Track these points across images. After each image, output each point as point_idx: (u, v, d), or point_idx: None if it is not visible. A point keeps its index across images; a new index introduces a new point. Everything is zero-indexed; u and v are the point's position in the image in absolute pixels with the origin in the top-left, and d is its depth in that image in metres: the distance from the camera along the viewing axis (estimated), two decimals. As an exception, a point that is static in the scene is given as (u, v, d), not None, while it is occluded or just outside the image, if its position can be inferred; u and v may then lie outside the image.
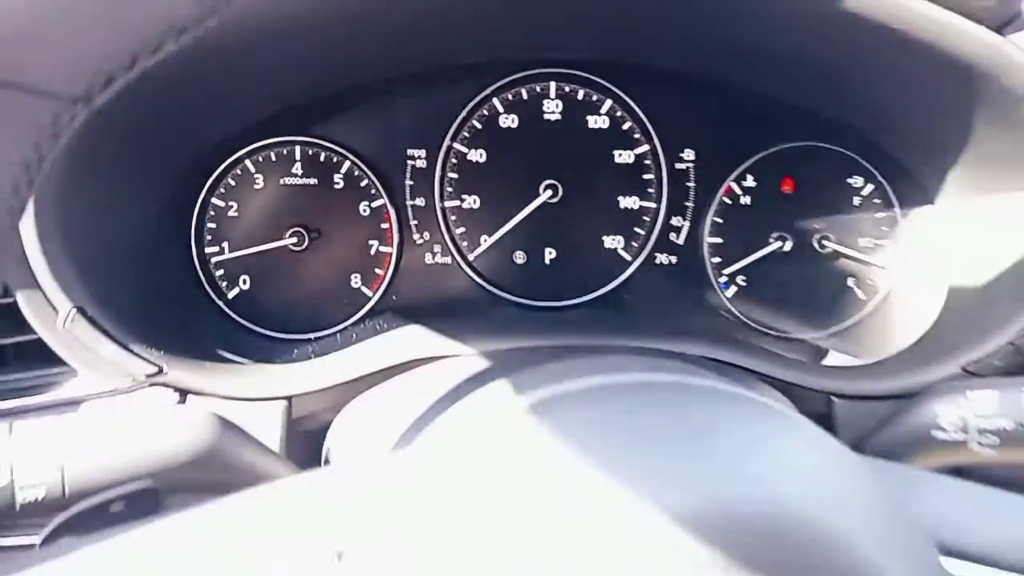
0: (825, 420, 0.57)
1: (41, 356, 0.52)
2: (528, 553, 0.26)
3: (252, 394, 0.55)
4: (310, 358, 0.61)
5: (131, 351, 0.52)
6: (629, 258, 0.72)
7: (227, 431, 0.46)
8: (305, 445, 0.54)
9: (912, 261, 0.68)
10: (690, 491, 0.27)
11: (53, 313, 0.51)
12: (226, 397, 0.53)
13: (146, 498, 0.38)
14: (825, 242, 0.69)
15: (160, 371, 0.52)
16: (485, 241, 0.71)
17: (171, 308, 0.62)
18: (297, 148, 0.68)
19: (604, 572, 0.25)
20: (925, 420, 0.48)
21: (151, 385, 0.53)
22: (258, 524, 0.31)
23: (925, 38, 0.49)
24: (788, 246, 0.70)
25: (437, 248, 0.71)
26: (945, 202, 0.64)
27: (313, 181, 0.69)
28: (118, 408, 0.49)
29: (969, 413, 0.47)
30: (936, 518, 0.33)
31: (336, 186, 0.69)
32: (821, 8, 0.49)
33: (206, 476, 0.44)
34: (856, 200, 0.69)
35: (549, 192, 0.70)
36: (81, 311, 0.50)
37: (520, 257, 0.71)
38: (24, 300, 0.50)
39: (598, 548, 0.26)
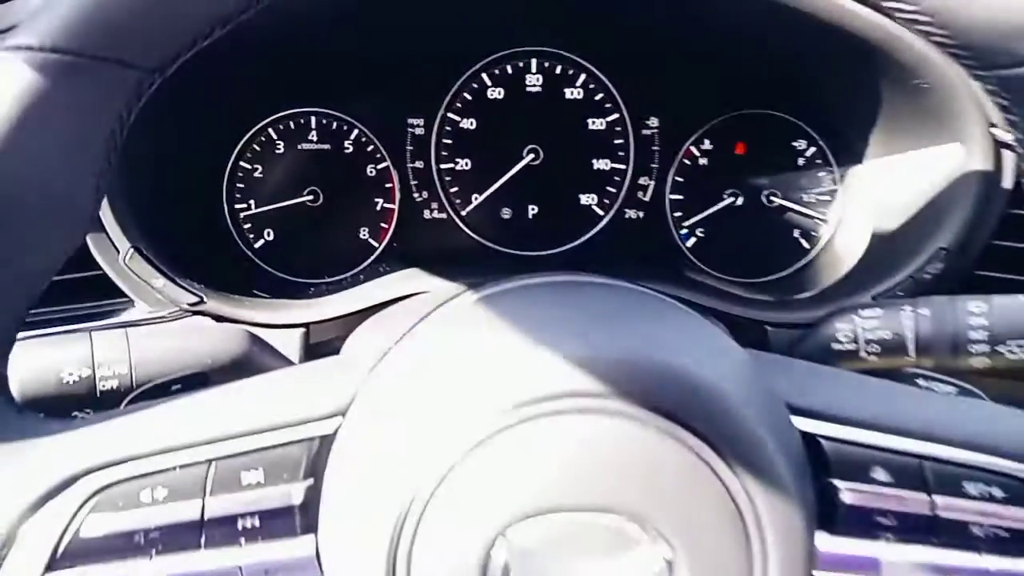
0: (763, 346, 0.67)
1: (105, 289, 0.64)
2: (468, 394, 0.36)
3: (275, 321, 0.66)
4: (324, 295, 0.73)
5: (178, 284, 0.63)
6: (602, 213, 0.82)
7: (255, 344, 0.58)
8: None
9: (847, 213, 0.78)
10: (599, 346, 0.37)
11: (115, 252, 0.62)
12: (253, 324, 0.64)
13: (198, 381, 0.49)
14: (772, 198, 0.79)
15: (201, 301, 0.64)
16: (476, 199, 0.81)
17: (210, 253, 0.74)
18: (313, 118, 0.79)
19: (527, 398, 0.35)
20: (828, 335, 0.58)
21: (193, 313, 0.64)
22: (276, 389, 0.42)
23: (831, 21, 0.59)
24: (740, 201, 0.80)
25: (434, 205, 0.81)
26: (871, 161, 0.74)
27: (327, 147, 0.79)
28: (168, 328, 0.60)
29: (859, 327, 0.57)
30: (787, 385, 0.43)
31: (346, 151, 0.79)
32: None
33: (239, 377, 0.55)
34: (800, 161, 0.79)
35: (531, 155, 0.80)
36: (138, 250, 0.62)
37: (506, 212, 0.82)
38: (92, 242, 0.62)
39: (524, 387, 0.36)
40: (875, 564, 0.40)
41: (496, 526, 0.35)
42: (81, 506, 0.37)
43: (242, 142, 0.78)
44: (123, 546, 0.37)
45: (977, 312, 0.53)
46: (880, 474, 0.40)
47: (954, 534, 0.40)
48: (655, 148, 0.81)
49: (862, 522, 0.40)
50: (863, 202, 0.75)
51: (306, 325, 0.65)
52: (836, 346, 0.57)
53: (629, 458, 0.36)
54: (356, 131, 0.79)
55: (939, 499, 0.40)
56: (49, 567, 0.37)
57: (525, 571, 0.35)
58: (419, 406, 0.37)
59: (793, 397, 0.41)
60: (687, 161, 0.80)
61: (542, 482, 0.35)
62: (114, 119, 0.36)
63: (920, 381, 0.52)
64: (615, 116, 0.80)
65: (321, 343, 0.65)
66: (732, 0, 0.62)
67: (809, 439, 0.40)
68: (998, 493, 0.39)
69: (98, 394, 0.51)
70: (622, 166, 0.81)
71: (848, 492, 0.40)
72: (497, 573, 0.35)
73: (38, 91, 0.34)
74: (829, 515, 0.40)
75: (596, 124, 0.80)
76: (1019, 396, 0.51)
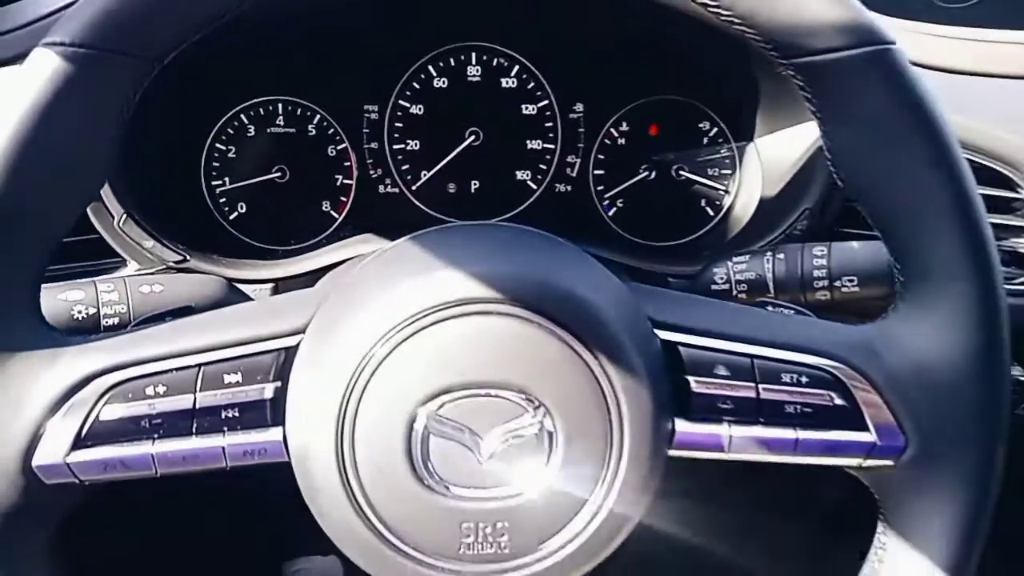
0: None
1: (100, 250, 0.74)
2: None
3: (249, 277, 0.77)
4: (293, 257, 0.84)
5: (165, 245, 0.74)
6: (535, 187, 0.93)
7: (232, 291, 0.69)
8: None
9: (742, 183, 0.90)
10: (500, 266, 0.48)
11: (110, 218, 0.73)
12: (229, 279, 0.75)
13: (187, 312, 0.60)
14: (680, 172, 0.91)
15: (185, 259, 0.75)
16: (424, 175, 0.91)
17: (191, 221, 0.84)
18: (280, 105, 0.89)
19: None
20: (708, 278, 0.71)
21: (178, 270, 0.75)
22: (252, 313, 0.53)
23: (703, 20, 0.71)
24: (653, 175, 0.92)
25: (388, 181, 0.92)
26: (760, 138, 0.87)
27: (292, 130, 0.89)
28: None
29: (731, 271, 0.69)
30: (652, 305, 0.54)
31: (310, 134, 0.89)
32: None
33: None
34: (704, 139, 0.91)
35: (473, 137, 0.91)
36: (131, 215, 0.73)
37: (452, 187, 0.93)
38: (91, 210, 0.73)
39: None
40: (719, 440, 0.52)
41: (417, 401, 0.47)
42: (100, 397, 0.48)
43: (217, 126, 0.88)
44: (132, 430, 0.48)
45: (819, 255, 0.66)
46: (721, 370, 0.50)
47: (774, 414, 0.51)
48: (580, 130, 0.92)
49: (708, 409, 0.50)
50: (754, 174, 0.88)
51: (275, 281, 0.76)
52: (714, 287, 0.69)
53: (520, 349, 0.47)
54: (318, 116, 0.90)
55: (762, 387, 0.51)
56: (74, 446, 0.48)
57: (439, 434, 0.47)
58: (356, 317, 0.49)
59: (656, 314, 0.52)
60: (607, 141, 0.92)
61: (453, 366, 0.47)
62: (122, 99, 0.47)
63: (769, 308, 0.64)
64: (545, 102, 0.91)
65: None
66: (629, 6, 0.74)
67: (668, 345, 0.51)
68: (804, 380, 0.51)
69: (102, 328, 0.62)
70: (552, 146, 0.92)
71: (697, 384, 0.51)
72: (418, 437, 0.47)
73: (66, 76, 0.45)
74: (684, 404, 0.51)
75: (529, 109, 0.92)
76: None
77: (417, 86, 0.90)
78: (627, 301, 0.51)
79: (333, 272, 0.74)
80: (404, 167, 0.92)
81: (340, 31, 0.85)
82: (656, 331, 0.52)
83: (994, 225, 0.74)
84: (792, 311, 0.62)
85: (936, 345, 0.50)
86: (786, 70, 0.49)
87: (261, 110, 0.89)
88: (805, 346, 0.51)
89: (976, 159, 0.73)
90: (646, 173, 0.91)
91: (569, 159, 0.92)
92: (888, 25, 0.48)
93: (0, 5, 0.79)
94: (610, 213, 0.93)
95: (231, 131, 0.89)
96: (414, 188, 0.92)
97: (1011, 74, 0.75)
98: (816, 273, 0.65)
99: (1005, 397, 0.50)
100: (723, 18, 0.48)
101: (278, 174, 0.89)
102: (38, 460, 0.47)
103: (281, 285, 0.77)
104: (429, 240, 0.52)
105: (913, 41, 0.77)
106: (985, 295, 0.49)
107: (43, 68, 0.45)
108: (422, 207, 0.92)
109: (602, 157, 0.92)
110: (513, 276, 0.48)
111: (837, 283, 0.64)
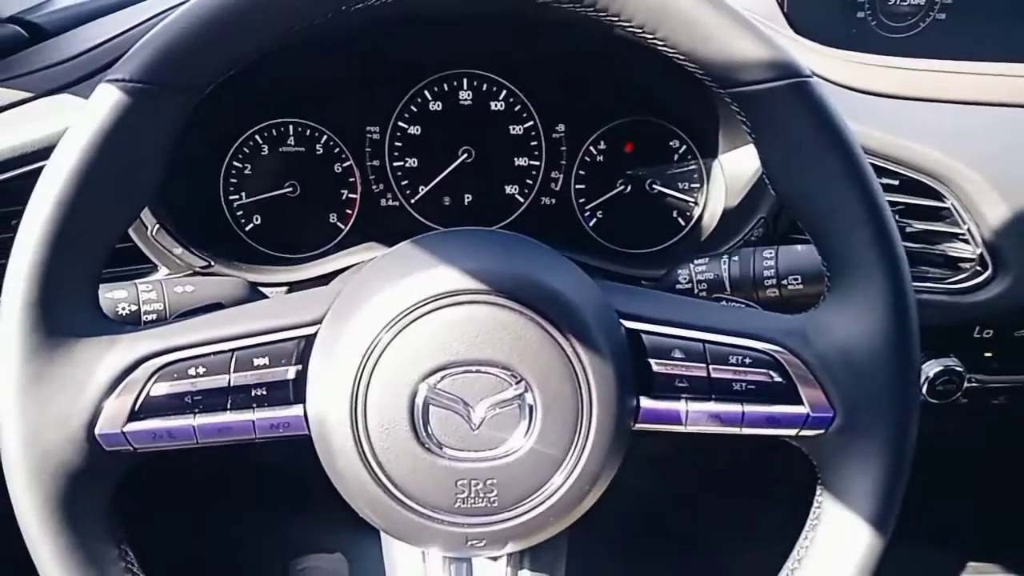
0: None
1: (135, 257, 0.83)
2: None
3: (266, 281, 0.86)
4: (302, 263, 0.92)
5: (192, 252, 0.83)
6: (522, 200, 1.02)
7: (254, 291, 0.78)
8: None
9: (710, 196, 1.00)
10: (488, 263, 0.57)
11: (144, 228, 0.82)
12: (250, 282, 0.84)
13: (217, 308, 0.69)
14: (654, 186, 1.01)
15: (209, 265, 0.84)
16: (422, 190, 1.00)
17: (213, 232, 0.93)
18: (291, 126, 0.99)
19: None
20: (673, 279, 0.80)
21: (204, 275, 0.84)
22: (276, 307, 0.62)
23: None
24: (629, 189, 1.01)
25: (389, 195, 1.00)
26: (724, 154, 0.96)
27: (302, 149, 0.98)
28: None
29: (693, 272, 0.78)
30: (619, 299, 0.62)
31: (318, 152, 0.98)
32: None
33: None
34: (675, 156, 1.00)
35: (465, 154, 1.00)
36: (163, 226, 0.82)
37: (447, 200, 1.01)
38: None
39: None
40: (677, 415, 0.59)
41: (418, 376, 0.55)
42: (150, 377, 0.56)
43: (234, 146, 0.98)
44: (177, 405, 0.57)
45: (768, 258, 0.75)
46: (678, 353, 0.58)
47: (723, 391, 0.58)
48: (563, 148, 1.01)
49: (667, 387, 0.57)
50: (719, 187, 0.97)
51: (290, 284, 0.85)
52: (678, 286, 0.78)
53: (504, 332, 0.55)
54: (325, 136, 0.99)
55: (712, 367, 0.57)
56: (130, 418, 0.56)
57: (438, 405, 0.56)
58: (365, 308, 0.57)
59: (622, 306, 0.59)
60: (587, 158, 1.01)
61: (448, 347, 0.55)
62: (171, 127, 0.56)
63: (723, 303, 0.73)
64: (530, 123, 1.01)
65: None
66: (597, 40, 0.83)
67: (632, 333, 0.58)
68: (748, 361, 0.60)
69: (142, 323, 0.71)
70: (537, 163, 1.01)
71: (657, 365, 0.58)
72: (420, 408, 0.56)
73: (126, 108, 0.54)
74: (646, 384, 0.58)
75: (516, 130, 1.00)
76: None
77: (415, 109, 0.99)
78: (597, 295, 0.60)
79: (344, 274, 0.83)
80: (404, 182, 1.01)
81: (345, 59, 0.94)
82: (622, 321, 0.60)
83: (926, 231, 0.84)
84: (743, 305, 0.71)
85: (856, 332, 0.58)
86: (723, 98, 0.57)
87: (274, 131, 0.98)
88: (749, 332, 0.60)
89: (909, 174, 0.82)
90: (623, 187, 1.00)
91: (553, 175, 1.01)
92: (806, 60, 0.57)
93: (39, 40, 0.89)
94: (591, 223, 1.02)
95: (247, 150, 0.97)
96: (413, 201, 1.01)
97: (941, 98, 0.85)
98: (766, 273, 0.74)
99: (915, 375, 0.59)
100: (668, 54, 0.56)
101: (290, 189, 0.98)
102: (100, 430, 0.55)
103: (294, 287, 0.86)
104: (427, 243, 0.61)
105: (851, 70, 0.87)
106: (894, 289, 0.58)
107: (107, 100, 0.53)
108: (420, 218, 1.01)
109: (583, 172, 1.01)
110: (498, 272, 0.56)
111: (784, 281, 0.73)
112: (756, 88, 0.54)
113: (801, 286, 0.73)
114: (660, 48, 0.55)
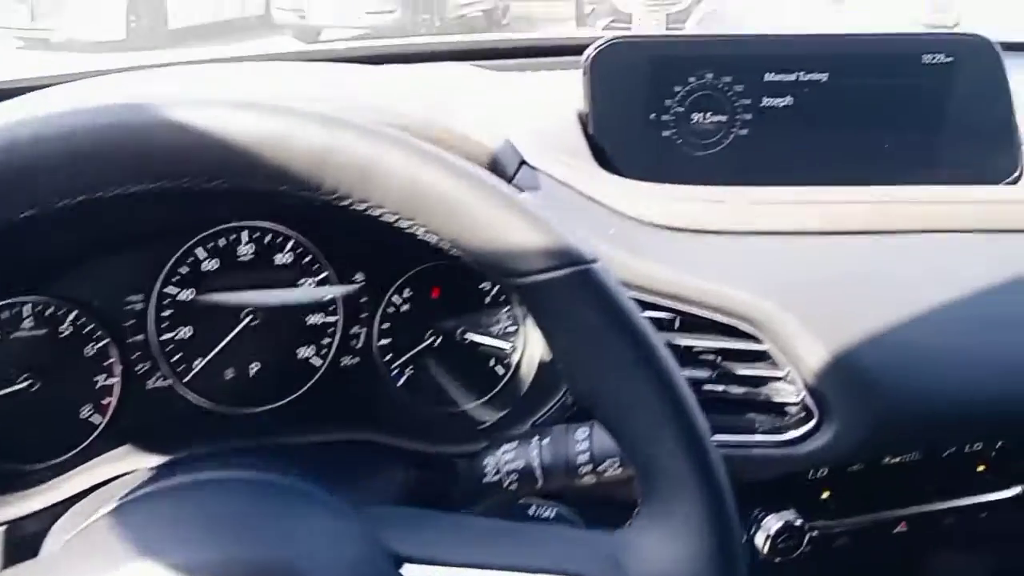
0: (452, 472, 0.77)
1: None
2: None
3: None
4: (42, 481, 0.75)
5: None
6: (320, 363, 0.90)
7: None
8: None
9: (528, 342, 0.91)
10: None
11: None
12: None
13: None
14: (466, 335, 0.91)
15: None
16: (198, 364, 0.87)
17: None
18: (26, 307, 0.83)
19: None
20: (479, 470, 0.69)
21: None
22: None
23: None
24: (438, 341, 0.91)
25: (157, 375, 0.85)
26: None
27: (42, 331, 0.83)
28: None
29: (501, 461, 0.68)
30: (393, 536, 0.52)
31: (62, 334, 0.83)
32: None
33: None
34: (487, 299, 0.92)
35: (250, 317, 0.87)
36: None
37: (229, 373, 0.88)
38: None
39: None
40: None
41: None
42: None
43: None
44: None
45: (581, 438, 0.66)
46: None
47: None
48: (363, 300, 0.90)
49: None
50: (535, 331, 0.89)
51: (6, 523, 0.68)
52: (485, 480, 0.68)
53: None
54: (74, 313, 0.84)
55: None
56: None
57: None
58: None
59: (399, 546, 0.51)
60: (390, 309, 0.91)
61: None
62: None
63: (531, 509, 0.63)
64: (324, 274, 0.89)
65: (25, 536, 0.68)
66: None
67: None
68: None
69: None
70: (333, 318, 0.90)
71: None
72: None
73: None
74: None
75: (307, 283, 0.89)
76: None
77: (185, 270, 0.86)
78: (355, 550, 0.49)
79: (70, 518, 0.67)
80: (175, 358, 0.86)
81: (92, 222, 0.79)
82: (400, 572, 0.49)
83: (748, 376, 0.78)
84: (555, 510, 0.61)
85: (672, 554, 0.50)
86: (504, 287, 0.49)
87: (4, 313, 0.82)
88: (553, 568, 0.51)
89: (722, 319, 0.76)
90: (432, 339, 0.90)
91: (353, 331, 0.90)
92: (589, 245, 0.49)
93: None
94: (399, 383, 0.91)
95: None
96: (187, 379, 0.86)
97: (754, 231, 0.80)
98: (580, 459, 0.65)
99: None
100: (433, 242, 0.49)
101: (26, 384, 0.81)
102: None
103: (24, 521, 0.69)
104: (137, 513, 0.48)
105: (661, 205, 0.81)
106: (711, 500, 0.50)
107: None
108: (197, 399, 0.87)
109: (387, 326, 0.90)
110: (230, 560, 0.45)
111: (600, 468, 0.64)
112: (535, 279, 0.49)
113: (619, 471, 0.64)
114: (423, 235, 0.48)
